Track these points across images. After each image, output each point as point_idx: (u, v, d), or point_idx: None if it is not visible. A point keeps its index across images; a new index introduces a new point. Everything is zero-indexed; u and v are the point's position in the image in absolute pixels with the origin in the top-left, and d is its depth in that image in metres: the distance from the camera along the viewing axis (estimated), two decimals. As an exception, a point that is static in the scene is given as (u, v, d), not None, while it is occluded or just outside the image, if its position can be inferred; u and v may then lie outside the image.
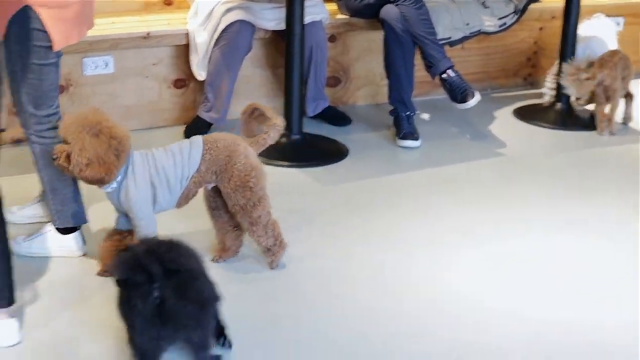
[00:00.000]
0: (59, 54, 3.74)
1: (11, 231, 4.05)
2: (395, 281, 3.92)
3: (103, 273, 3.86)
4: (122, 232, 3.84)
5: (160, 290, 2.96)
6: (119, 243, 3.81)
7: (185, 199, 3.86)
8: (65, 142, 3.61)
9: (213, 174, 3.81)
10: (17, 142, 4.62)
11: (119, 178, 3.68)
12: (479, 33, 5.84)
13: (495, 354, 3.42)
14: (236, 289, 3.73)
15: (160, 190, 3.76)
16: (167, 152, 3.79)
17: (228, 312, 3.32)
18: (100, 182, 3.65)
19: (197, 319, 3.05)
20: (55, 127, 3.76)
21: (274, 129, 3.95)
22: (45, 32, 3.65)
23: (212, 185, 3.89)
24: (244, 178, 3.80)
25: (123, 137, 3.65)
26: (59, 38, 3.69)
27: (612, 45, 6.07)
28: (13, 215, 4.17)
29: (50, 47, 3.68)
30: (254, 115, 3.97)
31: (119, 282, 3.04)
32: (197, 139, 3.84)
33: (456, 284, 3.91)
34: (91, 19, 3.88)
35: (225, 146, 3.81)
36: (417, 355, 3.41)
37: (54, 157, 3.63)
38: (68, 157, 3.59)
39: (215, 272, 3.38)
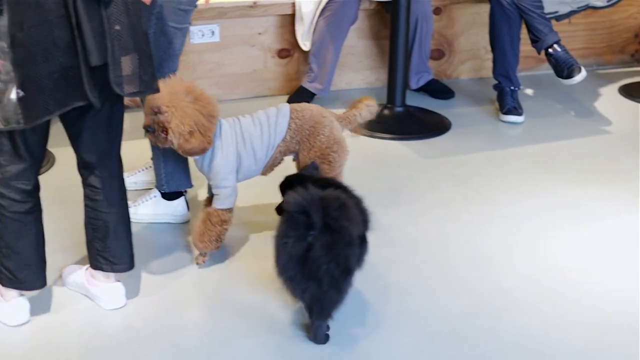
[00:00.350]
0: (189, 21, 3.82)
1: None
2: (498, 256, 3.92)
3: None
4: None
5: (313, 240, 3.07)
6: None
7: (270, 167, 3.85)
8: (156, 113, 3.53)
9: (297, 143, 3.78)
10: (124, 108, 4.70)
11: None
12: (587, 7, 5.75)
13: (600, 332, 3.40)
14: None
15: (245, 159, 3.73)
16: (254, 120, 3.76)
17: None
18: (202, 152, 3.61)
19: (335, 281, 3.14)
20: None
21: (367, 109, 3.92)
22: None
23: (295, 154, 3.86)
24: (324, 150, 3.76)
25: (215, 102, 3.63)
26: None
27: None
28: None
29: (188, 11, 3.76)
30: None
31: (282, 211, 3.17)
32: (285, 107, 3.81)
33: (561, 260, 3.89)
34: None
35: (311, 116, 3.78)
36: (520, 329, 3.41)
37: (148, 129, 3.56)
38: (165, 127, 3.53)
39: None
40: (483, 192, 4.49)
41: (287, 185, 3.52)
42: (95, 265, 3.47)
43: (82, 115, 3.21)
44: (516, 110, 5.37)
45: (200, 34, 5.38)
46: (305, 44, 5.48)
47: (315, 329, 3.26)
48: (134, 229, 3.88)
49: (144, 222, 4.08)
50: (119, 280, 3.51)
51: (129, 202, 4.02)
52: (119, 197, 3.42)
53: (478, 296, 3.62)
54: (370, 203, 3.44)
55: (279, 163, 3.87)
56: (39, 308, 3.47)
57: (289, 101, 5.41)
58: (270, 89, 5.65)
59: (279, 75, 5.65)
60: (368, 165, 4.69)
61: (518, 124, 5.34)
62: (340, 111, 3.94)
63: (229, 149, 3.68)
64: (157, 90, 3.27)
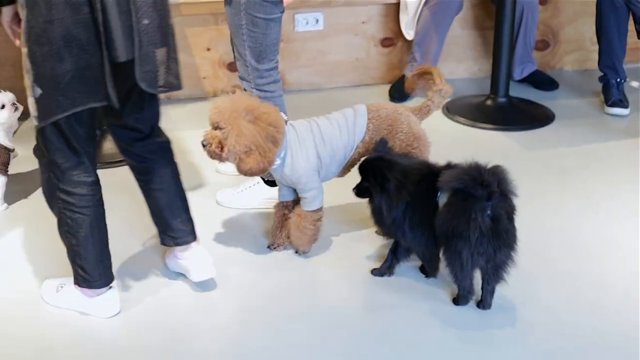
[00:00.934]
0: (282, 10, 3.82)
1: (221, 182, 4.22)
2: (599, 250, 3.87)
3: (273, 248, 3.84)
4: (287, 204, 3.79)
5: (493, 209, 3.17)
6: (286, 215, 3.79)
7: (347, 168, 3.79)
8: (216, 128, 3.45)
9: None
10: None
11: (282, 154, 3.57)
12: (698, -1, 5.65)
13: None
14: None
15: (324, 161, 3.67)
16: (331, 121, 3.69)
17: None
18: (261, 172, 3.53)
19: (516, 241, 3.28)
20: (276, 81, 3.87)
21: (439, 95, 3.82)
22: None
23: None
24: (405, 148, 3.68)
25: (280, 123, 3.52)
26: None
27: None
28: (226, 167, 4.27)
29: (276, 3, 3.77)
30: (424, 77, 3.88)
31: (454, 191, 3.22)
32: (361, 108, 3.74)
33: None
34: None
35: (387, 115, 3.71)
36: (620, 325, 3.37)
37: (204, 143, 3.47)
38: (221, 144, 3.44)
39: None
40: (585, 184, 4.44)
41: (367, 167, 3.52)
42: (162, 241, 3.54)
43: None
44: (622, 102, 5.29)
45: (304, 22, 5.42)
46: (409, 33, 5.47)
47: (490, 293, 3.39)
48: (235, 214, 3.94)
49: (246, 209, 4.12)
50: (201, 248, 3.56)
51: (230, 190, 4.10)
52: (170, 175, 3.43)
53: (578, 289, 3.59)
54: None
55: (355, 164, 3.75)
56: (133, 292, 3.56)
57: (391, 90, 5.44)
58: (373, 78, 5.66)
59: (381, 64, 5.66)
60: (470, 155, 4.65)
61: (623, 116, 5.27)
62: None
63: (308, 150, 3.63)
64: (180, 87, 3.22)
